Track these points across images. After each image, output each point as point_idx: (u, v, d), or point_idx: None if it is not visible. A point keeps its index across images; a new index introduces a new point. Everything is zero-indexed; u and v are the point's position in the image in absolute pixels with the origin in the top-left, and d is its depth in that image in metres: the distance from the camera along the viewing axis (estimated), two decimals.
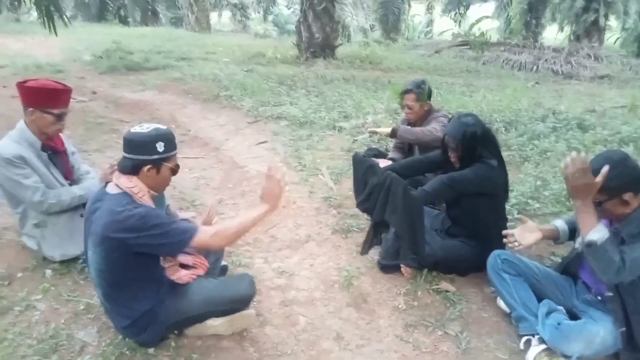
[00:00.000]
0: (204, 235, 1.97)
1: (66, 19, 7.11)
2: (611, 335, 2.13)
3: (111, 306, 2.10)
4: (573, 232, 2.42)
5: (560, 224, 2.51)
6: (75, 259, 2.68)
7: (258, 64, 9.63)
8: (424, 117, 3.59)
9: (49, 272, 2.59)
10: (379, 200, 2.74)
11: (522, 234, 2.42)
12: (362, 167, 3.03)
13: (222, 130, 5.60)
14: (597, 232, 1.94)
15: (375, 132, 3.72)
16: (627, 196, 2.03)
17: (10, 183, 2.50)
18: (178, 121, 6.03)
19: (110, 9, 23.17)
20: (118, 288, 2.03)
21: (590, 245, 1.95)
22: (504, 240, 2.47)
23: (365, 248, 3.02)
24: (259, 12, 30.69)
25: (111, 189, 2.01)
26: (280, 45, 13.09)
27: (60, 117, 2.56)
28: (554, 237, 2.51)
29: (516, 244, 2.40)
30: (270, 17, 29.48)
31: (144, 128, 1.99)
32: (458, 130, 2.66)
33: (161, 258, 2.11)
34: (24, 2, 7.07)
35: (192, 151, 4.97)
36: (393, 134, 3.52)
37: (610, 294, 2.13)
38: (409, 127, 3.56)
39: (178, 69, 8.69)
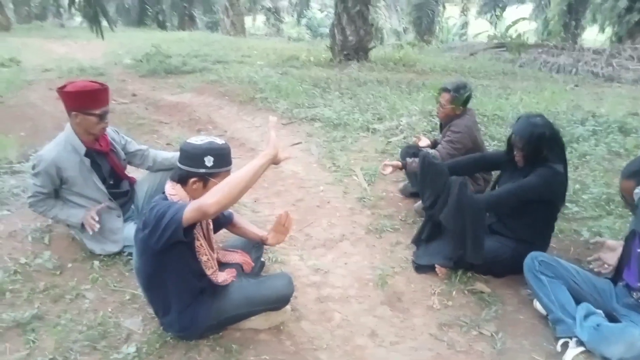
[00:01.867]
0: (195, 203, 1.80)
1: (112, 24, 7.41)
2: None
3: (150, 302, 2.20)
4: None
5: None
6: (120, 252, 2.82)
7: (292, 66, 9.73)
8: (452, 118, 3.57)
9: (96, 263, 2.73)
10: (440, 203, 2.76)
11: (606, 256, 2.46)
12: (431, 171, 2.94)
13: (258, 132, 5.70)
14: None
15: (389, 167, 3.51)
16: None
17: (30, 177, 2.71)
18: (215, 122, 6.19)
19: (150, 14, 23.88)
20: (153, 286, 2.11)
21: None
22: (590, 266, 2.51)
23: (416, 238, 3.04)
24: (292, 16, 31.04)
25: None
26: (313, 48, 13.21)
27: (102, 117, 2.67)
28: None
29: (605, 266, 2.43)
30: (303, 21, 29.72)
31: (198, 140, 1.99)
32: (526, 129, 2.66)
33: (203, 266, 2.10)
34: (74, 7, 7.31)
35: None
36: (403, 167, 3.51)
37: None
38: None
39: (214, 72, 8.88)
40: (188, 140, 2.01)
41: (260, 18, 31.53)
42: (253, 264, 2.45)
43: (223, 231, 2.56)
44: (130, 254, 2.78)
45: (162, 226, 1.83)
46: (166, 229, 1.82)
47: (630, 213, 2.54)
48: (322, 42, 16.30)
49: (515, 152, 2.75)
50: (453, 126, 3.53)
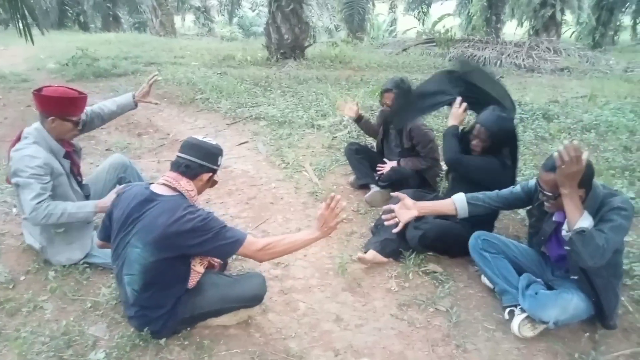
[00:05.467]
0: (250, 246, 2.08)
1: (41, 28, 7.06)
2: (584, 302, 2.34)
3: (142, 300, 2.12)
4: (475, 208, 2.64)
5: (459, 201, 2.65)
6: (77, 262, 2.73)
7: (229, 66, 9.64)
8: None
9: (51, 273, 2.64)
10: None
11: (400, 211, 2.63)
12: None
13: (202, 133, 5.64)
14: (585, 220, 2.07)
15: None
16: (581, 192, 2.17)
17: (24, 181, 2.43)
18: (156, 125, 6.05)
19: (70, 15, 22.60)
20: (154, 284, 2.09)
21: (581, 232, 2.05)
22: (383, 216, 2.70)
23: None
24: (223, 15, 30.53)
25: (161, 190, 2.09)
26: (248, 47, 13.11)
27: (78, 123, 2.65)
28: (448, 214, 2.71)
29: (395, 220, 2.60)
30: (234, 20, 29.34)
31: (207, 139, 2.20)
32: (495, 123, 2.81)
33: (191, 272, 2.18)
34: None
35: (174, 154, 4.99)
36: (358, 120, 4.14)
37: (576, 277, 2.32)
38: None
39: (148, 74, 8.55)
40: (198, 137, 2.21)
41: (190, 17, 30.77)
42: (222, 262, 2.51)
43: None
44: (85, 263, 2.72)
45: (215, 243, 2.02)
46: (218, 248, 2.06)
47: None
48: (255, 41, 16.23)
49: (474, 141, 2.89)
50: (418, 139, 3.66)
